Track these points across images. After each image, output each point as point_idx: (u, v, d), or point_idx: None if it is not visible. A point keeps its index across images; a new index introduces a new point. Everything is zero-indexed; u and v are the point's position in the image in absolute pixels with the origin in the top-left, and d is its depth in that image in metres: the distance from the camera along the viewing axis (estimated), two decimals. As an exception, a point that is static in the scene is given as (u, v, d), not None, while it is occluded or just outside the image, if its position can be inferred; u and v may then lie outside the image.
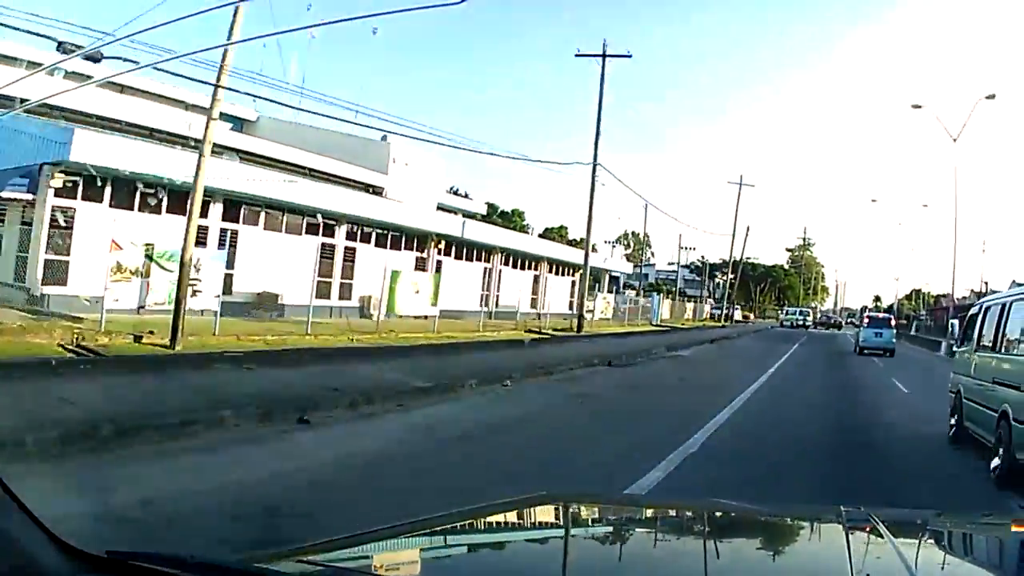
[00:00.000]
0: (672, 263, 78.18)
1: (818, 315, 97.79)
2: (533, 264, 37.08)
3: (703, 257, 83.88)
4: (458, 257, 29.88)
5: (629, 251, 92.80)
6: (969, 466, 8.66)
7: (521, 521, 2.26)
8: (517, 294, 30.45)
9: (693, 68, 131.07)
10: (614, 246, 70.48)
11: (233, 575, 1.48)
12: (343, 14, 14.98)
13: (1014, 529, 2.35)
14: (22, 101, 13.97)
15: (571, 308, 36.09)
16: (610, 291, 45.80)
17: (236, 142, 24.68)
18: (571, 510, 2.44)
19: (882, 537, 1.85)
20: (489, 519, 2.25)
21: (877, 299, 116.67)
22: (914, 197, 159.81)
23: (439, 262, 27.60)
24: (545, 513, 2.38)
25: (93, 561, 1.36)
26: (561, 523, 2.31)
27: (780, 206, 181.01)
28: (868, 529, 1.97)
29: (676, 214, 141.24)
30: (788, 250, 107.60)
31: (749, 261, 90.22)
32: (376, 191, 27.83)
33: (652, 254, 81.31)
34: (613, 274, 51.48)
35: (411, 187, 28.85)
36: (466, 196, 46.90)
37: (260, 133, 28.06)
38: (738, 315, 73.47)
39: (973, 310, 10.85)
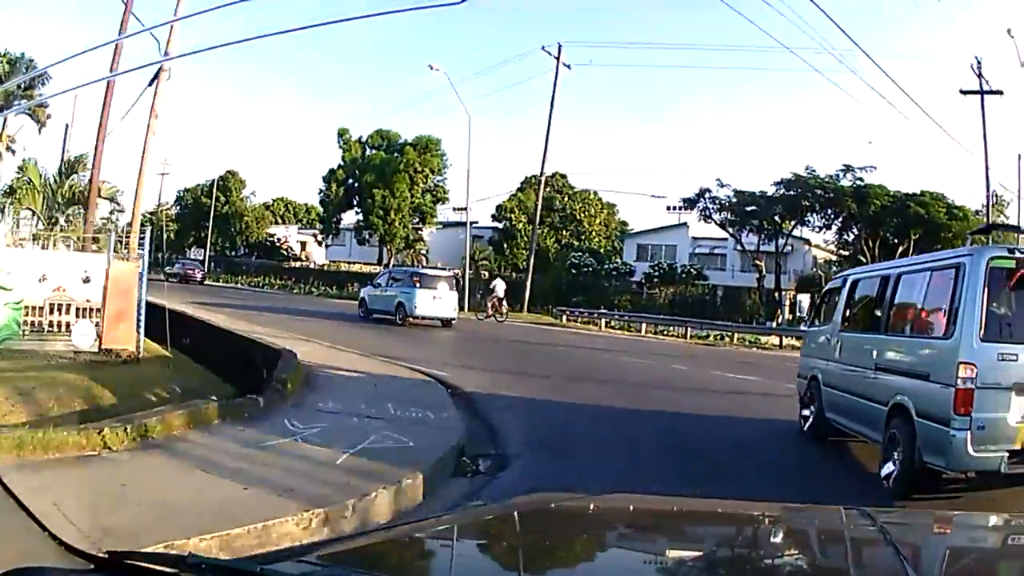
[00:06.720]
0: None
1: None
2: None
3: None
4: None
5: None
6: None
7: (516, 522, 2.26)
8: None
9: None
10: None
11: (232, 575, 1.49)
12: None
13: (1015, 528, 2.35)
14: None
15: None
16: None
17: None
18: (567, 510, 2.44)
19: (882, 537, 1.85)
20: (484, 520, 2.26)
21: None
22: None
23: None
24: (541, 514, 2.38)
25: (93, 561, 1.36)
26: (557, 524, 2.31)
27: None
28: (868, 529, 1.98)
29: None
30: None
31: (860, 183, 33.96)
32: None
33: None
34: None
35: None
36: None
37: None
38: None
39: (833, 284, 9.39)
